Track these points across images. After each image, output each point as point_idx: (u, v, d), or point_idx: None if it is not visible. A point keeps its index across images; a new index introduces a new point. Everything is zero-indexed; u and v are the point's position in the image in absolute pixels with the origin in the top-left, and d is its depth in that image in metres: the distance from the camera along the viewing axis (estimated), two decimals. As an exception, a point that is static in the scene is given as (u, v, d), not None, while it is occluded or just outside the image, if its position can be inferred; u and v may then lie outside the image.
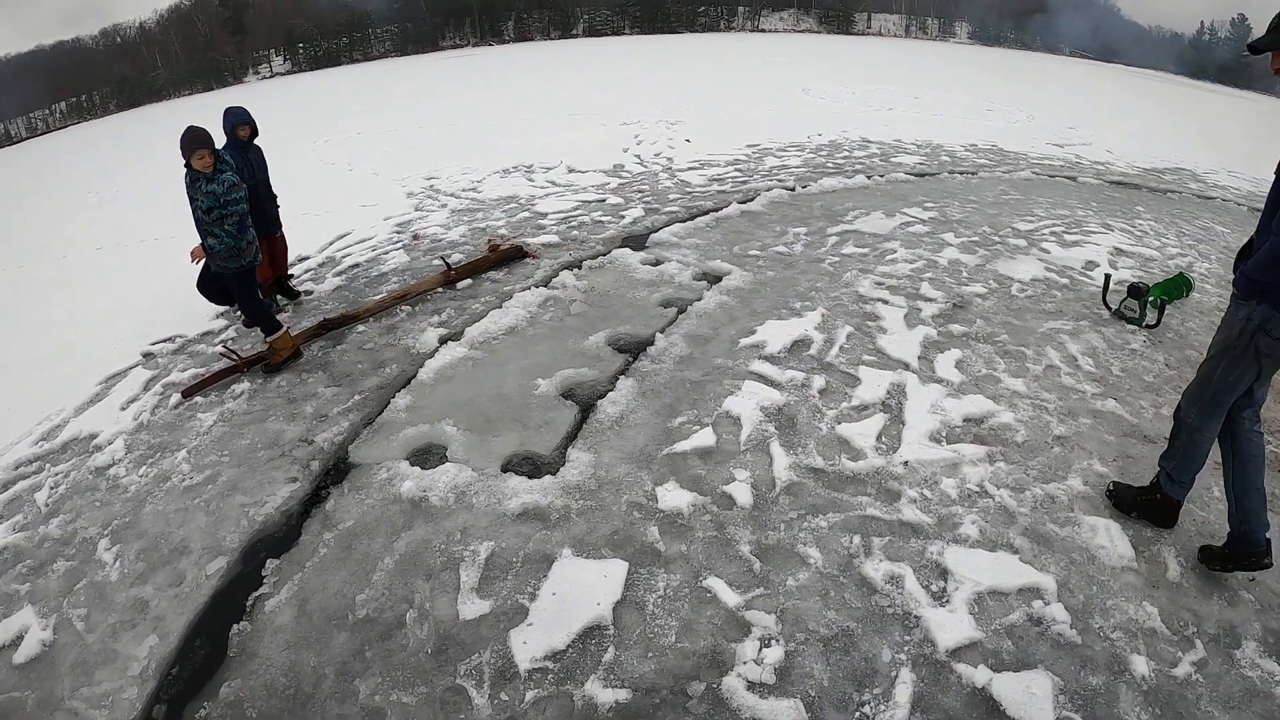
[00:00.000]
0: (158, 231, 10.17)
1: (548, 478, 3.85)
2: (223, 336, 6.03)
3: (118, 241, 10.27)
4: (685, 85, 23.62)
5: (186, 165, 5.01)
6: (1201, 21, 73.71)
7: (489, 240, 7.67)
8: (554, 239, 7.83)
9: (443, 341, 5.46)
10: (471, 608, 3.10)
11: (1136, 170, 12.61)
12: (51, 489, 4.33)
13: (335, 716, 2.73)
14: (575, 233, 8.09)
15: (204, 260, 5.37)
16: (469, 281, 6.68)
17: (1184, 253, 7.54)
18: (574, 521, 3.55)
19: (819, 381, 4.65)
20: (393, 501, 3.77)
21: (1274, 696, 2.66)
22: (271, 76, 70.22)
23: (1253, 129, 24.07)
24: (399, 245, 8.17)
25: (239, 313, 6.05)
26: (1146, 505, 3.43)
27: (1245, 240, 3.11)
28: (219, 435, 4.60)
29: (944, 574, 3.18)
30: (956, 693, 2.68)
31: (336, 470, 4.16)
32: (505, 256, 7.14)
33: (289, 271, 7.00)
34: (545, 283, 6.52)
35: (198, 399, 5.06)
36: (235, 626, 3.14)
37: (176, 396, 5.08)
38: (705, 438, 4.11)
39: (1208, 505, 3.57)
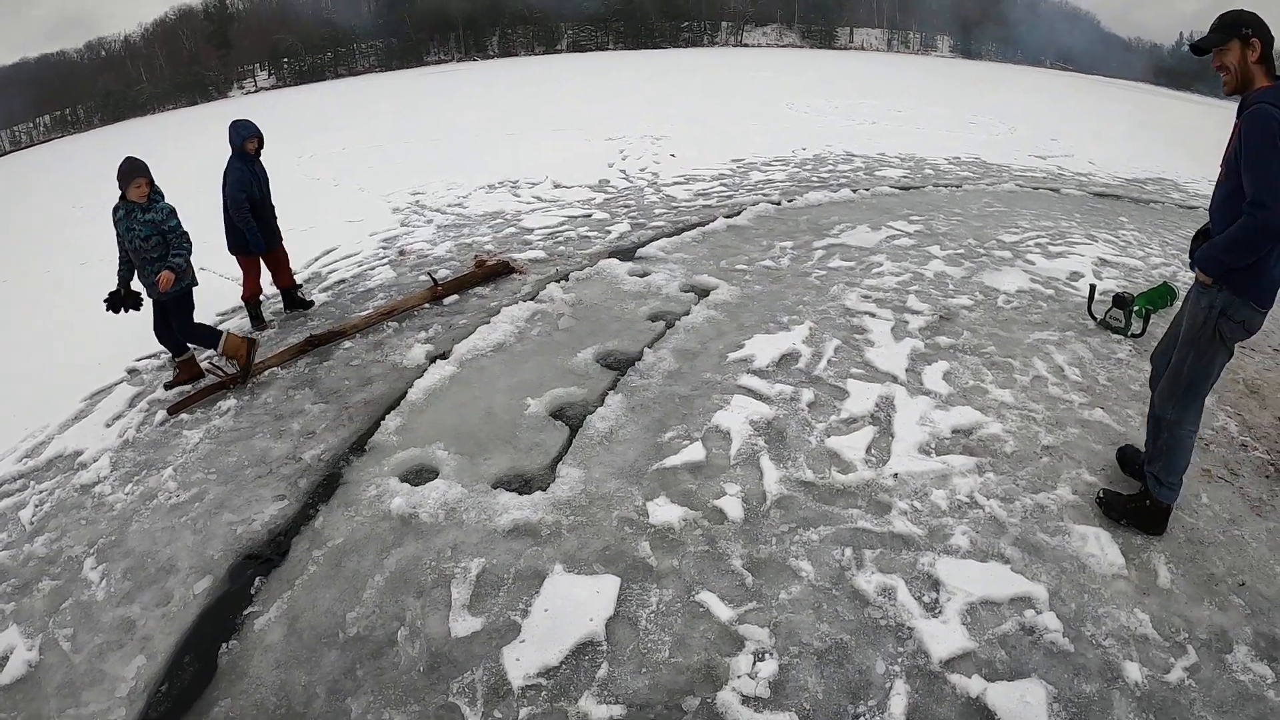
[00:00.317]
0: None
1: (538, 494, 3.84)
2: (208, 353, 5.97)
3: (102, 257, 10.17)
4: (670, 100, 23.74)
5: (122, 196, 5.04)
6: (1180, 33, 74.95)
7: (475, 256, 7.68)
8: (540, 254, 7.83)
9: (432, 360, 5.43)
10: (463, 625, 3.08)
11: (1119, 181, 12.75)
12: (36, 506, 4.28)
13: (326, 737, 2.70)
14: (561, 248, 8.10)
15: (155, 299, 5.29)
16: (456, 297, 6.68)
17: (1168, 262, 7.63)
18: (565, 537, 3.53)
19: (808, 395, 4.66)
20: (382, 518, 3.74)
21: (1266, 700, 2.69)
22: (256, 91, 70.31)
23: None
24: (385, 261, 8.16)
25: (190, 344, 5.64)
26: (1136, 512, 3.47)
27: (1199, 228, 3.23)
28: (205, 452, 4.56)
29: (936, 585, 3.18)
30: (951, 703, 2.69)
31: (325, 487, 4.12)
32: (492, 272, 7.13)
33: (295, 282, 6.96)
34: (532, 297, 6.52)
35: (183, 416, 5.02)
36: (224, 645, 3.10)
37: (162, 413, 5.03)
38: (695, 452, 4.11)
39: (1196, 512, 3.60)
